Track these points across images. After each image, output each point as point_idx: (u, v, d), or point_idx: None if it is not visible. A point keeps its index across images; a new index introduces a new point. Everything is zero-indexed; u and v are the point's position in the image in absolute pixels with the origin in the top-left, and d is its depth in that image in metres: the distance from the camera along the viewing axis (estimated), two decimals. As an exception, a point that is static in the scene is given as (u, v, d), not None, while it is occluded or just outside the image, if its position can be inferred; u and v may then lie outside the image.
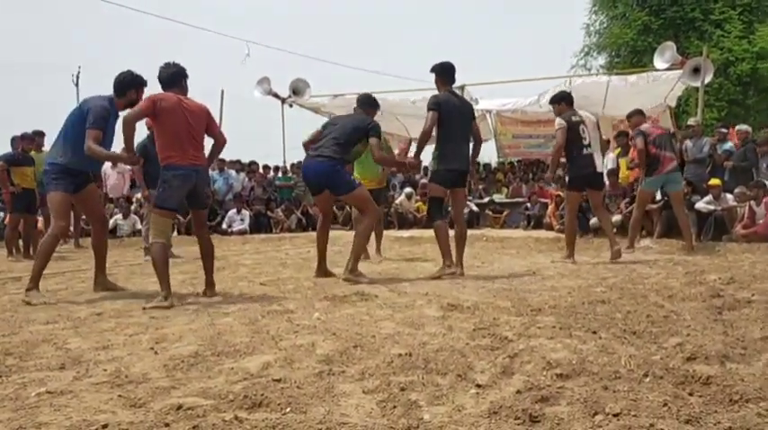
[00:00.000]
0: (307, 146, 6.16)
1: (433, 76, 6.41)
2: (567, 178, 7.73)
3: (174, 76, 5.10)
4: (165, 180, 4.94)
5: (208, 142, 5.29)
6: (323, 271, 6.37)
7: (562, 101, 7.53)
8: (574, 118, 7.24)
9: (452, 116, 6.15)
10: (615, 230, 11.05)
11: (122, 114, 5.04)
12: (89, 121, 5.16)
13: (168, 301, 4.69)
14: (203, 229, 5.46)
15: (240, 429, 2.14)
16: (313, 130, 6.25)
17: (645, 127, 8.45)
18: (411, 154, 6.51)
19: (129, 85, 5.39)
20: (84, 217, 13.00)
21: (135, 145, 5.19)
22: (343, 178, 5.99)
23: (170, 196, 4.96)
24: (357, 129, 6.02)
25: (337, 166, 5.91)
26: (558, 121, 7.29)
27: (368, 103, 6.44)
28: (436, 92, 6.37)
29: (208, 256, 5.33)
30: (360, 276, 5.82)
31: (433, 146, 6.35)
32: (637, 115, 8.71)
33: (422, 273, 6.46)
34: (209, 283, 5.31)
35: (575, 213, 7.90)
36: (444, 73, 6.34)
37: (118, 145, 5.58)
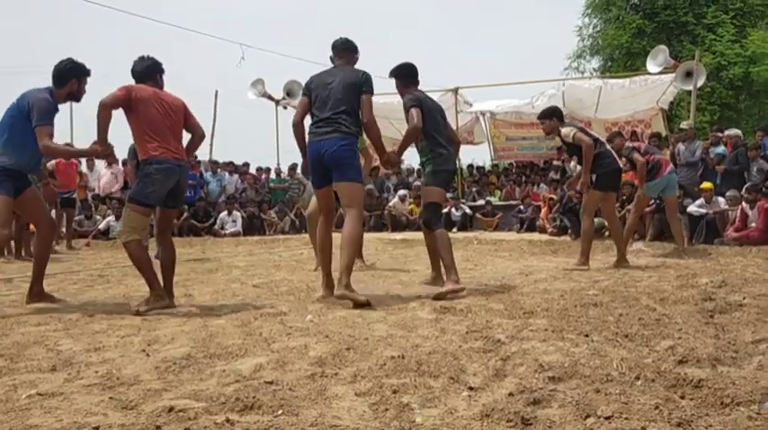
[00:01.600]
0: (300, 124, 5.04)
1: (393, 81, 5.67)
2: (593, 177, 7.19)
3: (148, 69, 4.79)
4: (147, 174, 4.58)
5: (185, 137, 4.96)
6: (331, 287, 4.93)
7: (554, 116, 7.19)
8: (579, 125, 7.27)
9: (433, 114, 5.47)
10: (608, 234, 11.13)
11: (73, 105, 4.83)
12: (36, 119, 4.64)
13: (164, 300, 4.58)
14: (168, 233, 5.01)
15: (232, 432, 2.13)
16: (298, 105, 5.19)
17: (633, 144, 8.59)
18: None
19: (69, 73, 4.86)
20: (76, 218, 13.02)
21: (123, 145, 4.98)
22: (356, 160, 4.97)
23: (151, 192, 4.60)
24: (354, 86, 4.89)
25: (354, 145, 4.89)
26: (569, 131, 7.00)
27: (350, 48, 5.25)
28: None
29: (170, 264, 4.87)
30: (353, 292, 4.67)
31: (419, 147, 5.60)
32: (618, 137, 8.82)
33: (415, 276, 6.46)
34: (168, 291, 4.81)
35: (593, 216, 7.61)
36: (408, 75, 5.61)
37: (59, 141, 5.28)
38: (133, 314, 4.38)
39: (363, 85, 4.88)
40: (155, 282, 4.61)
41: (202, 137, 5.09)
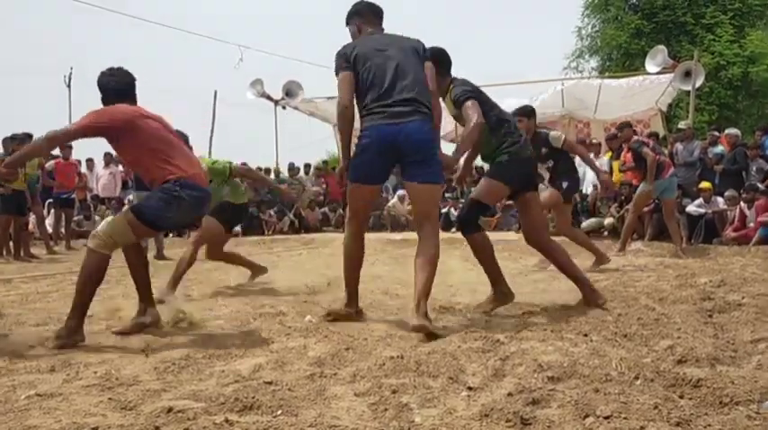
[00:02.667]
0: (351, 107, 3.88)
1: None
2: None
3: (129, 86, 3.95)
4: (177, 196, 3.65)
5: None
6: (354, 306, 4.21)
7: (533, 116, 6.50)
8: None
9: (490, 101, 4.44)
10: (606, 233, 11.15)
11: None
12: None
13: (77, 335, 3.55)
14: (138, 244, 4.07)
15: (231, 432, 2.13)
16: (342, 83, 3.89)
17: (641, 137, 8.54)
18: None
19: None
20: (75, 218, 13.02)
21: None
22: (438, 152, 3.97)
23: (170, 217, 3.74)
24: (417, 53, 3.99)
25: (434, 131, 3.96)
26: (559, 135, 6.78)
27: (381, 14, 4.23)
28: None
29: (143, 275, 4.03)
30: (431, 323, 3.72)
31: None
32: (627, 128, 8.78)
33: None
34: (148, 298, 4.03)
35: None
36: (449, 62, 4.45)
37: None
38: (51, 347, 3.46)
39: (425, 50, 4.04)
40: (82, 311, 3.59)
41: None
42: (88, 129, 3.66)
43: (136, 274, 3.98)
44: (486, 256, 4.42)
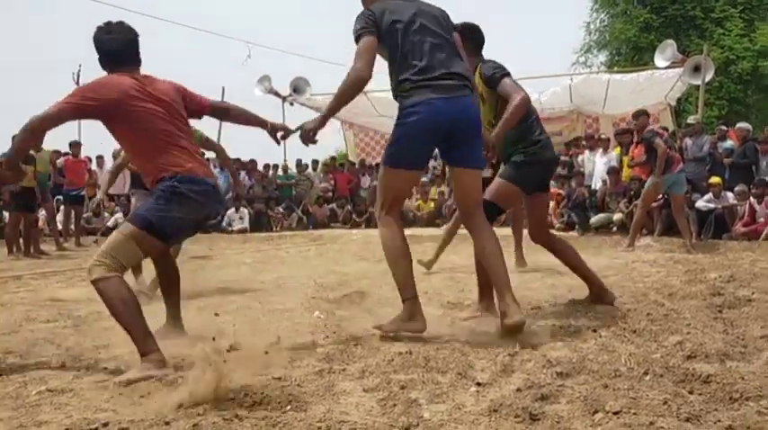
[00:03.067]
0: (365, 77, 3.35)
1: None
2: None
3: (129, 46, 3.28)
4: (176, 193, 3.06)
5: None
6: (414, 314, 3.42)
7: None
8: None
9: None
10: (615, 228, 11.12)
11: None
12: None
13: (167, 370, 2.80)
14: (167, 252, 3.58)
15: (240, 427, 2.14)
16: (364, 48, 3.34)
17: (656, 128, 8.46)
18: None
19: None
20: (85, 215, 13.08)
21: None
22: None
23: (173, 218, 3.06)
24: (446, 20, 3.56)
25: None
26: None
27: None
28: None
29: (173, 285, 3.61)
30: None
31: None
32: (643, 116, 8.67)
33: (420, 271, 6.44)
34: (176, 318, 3.61)
35: None
36: (481, 40, 4.18)
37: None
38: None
39: (450, 20, 3.60)
40: (149, 339, 2.88)
41: (228, 107, 3.72)
42: (74, 111, 3.04)
43: (163, 287, 3.60)
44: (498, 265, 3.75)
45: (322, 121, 3.48)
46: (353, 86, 3.34)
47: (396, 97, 3.43)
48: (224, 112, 3.64)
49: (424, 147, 3.40)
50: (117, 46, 3.23)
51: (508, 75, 3.93)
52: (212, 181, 3.24)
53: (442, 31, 3.43)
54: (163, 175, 3.08)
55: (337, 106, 3.42)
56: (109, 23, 3.27)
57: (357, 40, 3.36)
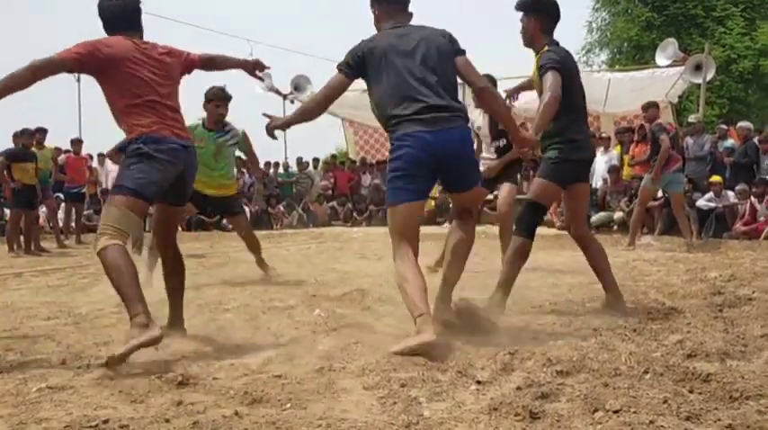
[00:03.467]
0: (320, 105, 3.66)
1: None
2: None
3: (126, 11, 3.41)
4: (142, 154, 3.19)
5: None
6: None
7: None
8: None
9: (574, 82, 4.03)
10: (616, 227, 11.11)
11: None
12: None
13: (151, 330, 2.93)
14: (172, 240, 3.62)
15: (240, 425, 2.14)
16: (332, 81, 3.56)
17: (665, 123, 8.42)
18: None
19: None
20: (85, 213, 13.08)
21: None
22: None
23: (150, 180, 3.20)
24: (446, 50, 3.51)
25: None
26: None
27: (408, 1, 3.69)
28: None
29: (178, 278, 3.61)
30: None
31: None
32: (653, 108, 8.62)
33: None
34: (178, 318, 3.61)
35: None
36: (554, 14, 4.10)
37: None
38: (106, 363, 2.85)
39: (455, 44, 3.54)
40: (138, 303, 3.00)
41: (212, 57, 3.81)
42: (74, 62, 3.16)
43: (168, 283, 3.60)
44: (516, 263, 4.08)
45: (287, 125, 3.76)
46: (307, 113, 3.69)
47: (386, 130, 3.51)
48: (211, 63, 3.80)
49: (419, 179, 3.39)
50: (118, 12, 3.38)
51: (556, 69, 3.85)
52: (182, 141, 3.34)
53: (436, 61, 3.42)
54: (131, 137, 3.25)
55: (297, 121, 3.70)
56: None
57: (336, 69, 3.55)
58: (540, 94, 3.94)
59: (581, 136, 4.07)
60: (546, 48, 3.98)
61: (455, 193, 3.64)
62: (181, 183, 3.40)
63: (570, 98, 3.92)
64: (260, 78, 4.20)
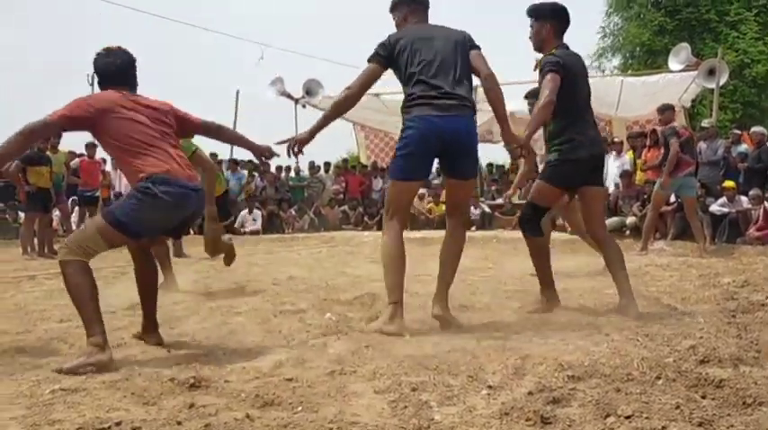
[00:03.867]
0: (355, 95, 3.83)
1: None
2: None
3: (124, 67, 3.47)
4: (148, 194, 3.15)
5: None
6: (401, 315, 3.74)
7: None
8: None
9: (577, 84, 4.15)
10: (628, 232, 11.06)
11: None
12: None
13: (102, 353, 2.97)
14: (149, 250, 3.60)
15: (252, 428, 2.15)
16: (364, 71, 3.81)
17: (678, 126, 8.38)
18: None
19: None
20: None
21: None
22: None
23: (141, 218, 3.16)
24: (463, 45, 3.82)
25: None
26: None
27: (428, 4, 4.04)
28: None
29: (149, 290, 3.54)
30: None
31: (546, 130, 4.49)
32: (669, 110, 8.59)
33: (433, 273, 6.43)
34: (152, 327, 3.53)
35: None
36: (564, 19, 4.26)
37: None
38: (55, 370, 2.92)
39: (471, 41, 3.84)
40: (95, 324, 3.05)
41: (220, 127, 3.85)
42: (67, 121, 3.24)
43: (139, 290, 3.53)
44: (541, 260, 4.32)
45: (312, 134, 3.85)
46: (344, 100, 3.82)
47: (402, 111, 3.76)
48: (216, 132, 3.79)
49: (422, 159, 3.74)
50: (114, 69, 3.44)
51: (554, 71, 3.99)
52: (192, 185, 3.30)
53: (453, 55, 3.73)
54: (141, 176, 3.19)
55: (327, 120, 3.87)
56: (108, 49, 3.49)
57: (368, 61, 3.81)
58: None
59: (581, 136, 4.12)
60: (553, 51, 4.11)
61: (451, 180, 3.90)
62: (183, 223, 3.46)
63: (571, 100, 4.06)
64: (262, 163, 4.21)
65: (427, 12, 3.99)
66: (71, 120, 3.22)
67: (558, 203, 5.28)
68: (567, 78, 4.01)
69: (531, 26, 4.26)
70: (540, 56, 4.22)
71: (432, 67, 3.66)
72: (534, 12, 4.23)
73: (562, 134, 4.13)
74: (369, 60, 3.82)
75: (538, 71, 4.15)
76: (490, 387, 2.55)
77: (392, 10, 4.02)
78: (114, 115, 3.23)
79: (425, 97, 3.63)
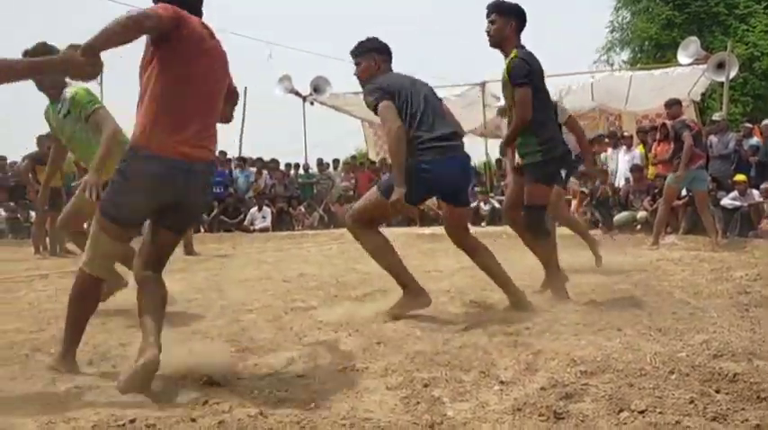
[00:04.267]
0: (401, 127, 3.81)
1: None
2: None
3: None
4: (122, 171, 2.75)
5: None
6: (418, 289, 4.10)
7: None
8: None
9: (540, 83, 4.31)
10: (639, 227, 11.02)
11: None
12: None
13: (70, 367, 2.90)
14: (161, 266, 2.92)
15: (265, 424, 2.16)
16: (387, 111, 3.85)
17: (688, 120, 8.34)
18: None
19: None
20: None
21: None
22: None
23: (124, 204, 2.77)
24: (432, 91, 4.21)
25: None
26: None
27: (392, 53, 4.24)
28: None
29: (159, 307, 2.84)
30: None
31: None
32: (676, 105, 8.56)
33: (445, 270, 6.43)
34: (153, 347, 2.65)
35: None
36: (523, 21, 4.36)
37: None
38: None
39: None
40: (73, 345, 2.96)
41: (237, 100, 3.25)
42: (168, 19, 2.64)
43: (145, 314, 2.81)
44: (552, 255, 4.67)
45: (401, 184, 3.79)
46: (397, 140, 3.81)
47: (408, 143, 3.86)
48: (229, 98, 3.13)
49: (425, 192, 4.11)
50: None
51: (526, 85, 4.14)
52: (184, 163, 2.73)
53: (433, 97, 4.05)
54: (133, 143, 2.77)
55: (399, 161, 3.82)
56: None
57: (376, 108, 3.90)
58: (511, 96, 4.25)
59: (556, 134, 4.53)
60: (515, 52, 4.21)
61: (449, 206, 4.19)
62: (180, 207, 2.84)
63: (538, 101, 4.20)
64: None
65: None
66: (167, 19, 2.64)
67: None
68: (534, 82, 4.19)
69: (493, 21, 4.27)
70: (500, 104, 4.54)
71: (427, 111, 3.91)
72: (499, 7, 4.26)
73: (537, 134, 4.26)
74: (378, 102, 3.88)
75: (504, 73, 4.25)
76: (502, 382, 2.56)
77: (359, 55, 4.15)
78: (183, 37, 2.73)
79: (430, 140, 3.86)
